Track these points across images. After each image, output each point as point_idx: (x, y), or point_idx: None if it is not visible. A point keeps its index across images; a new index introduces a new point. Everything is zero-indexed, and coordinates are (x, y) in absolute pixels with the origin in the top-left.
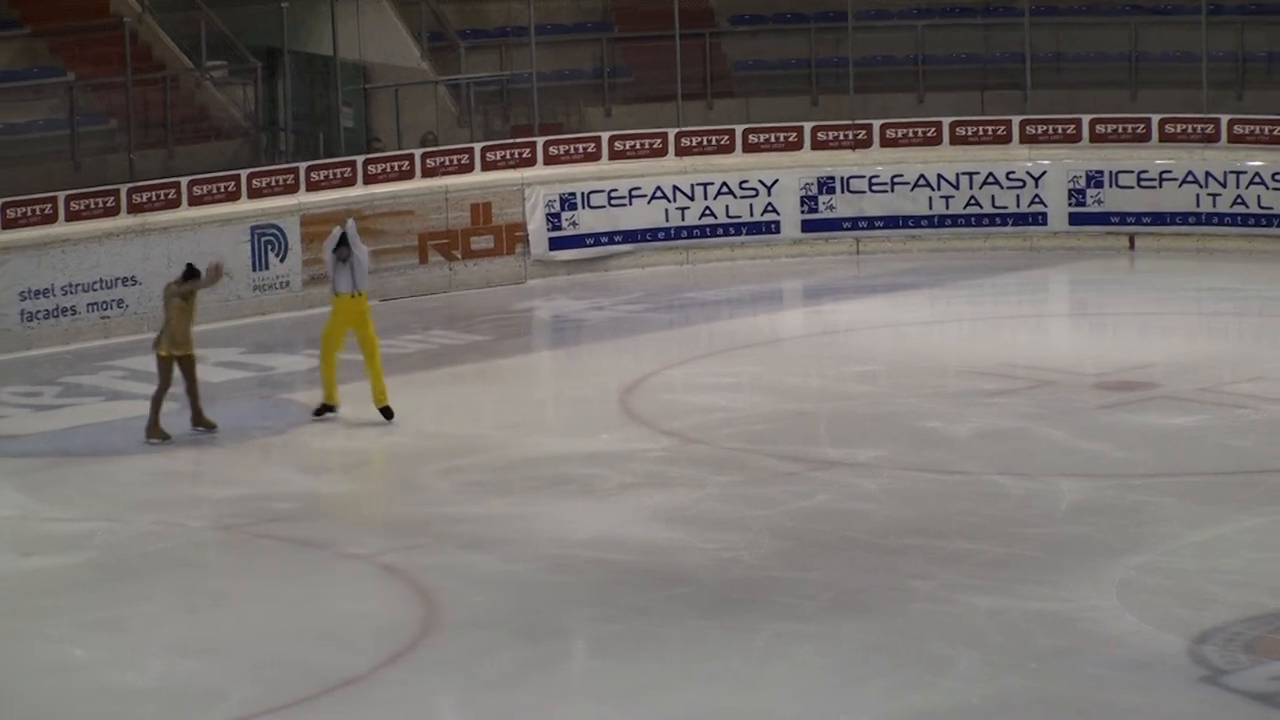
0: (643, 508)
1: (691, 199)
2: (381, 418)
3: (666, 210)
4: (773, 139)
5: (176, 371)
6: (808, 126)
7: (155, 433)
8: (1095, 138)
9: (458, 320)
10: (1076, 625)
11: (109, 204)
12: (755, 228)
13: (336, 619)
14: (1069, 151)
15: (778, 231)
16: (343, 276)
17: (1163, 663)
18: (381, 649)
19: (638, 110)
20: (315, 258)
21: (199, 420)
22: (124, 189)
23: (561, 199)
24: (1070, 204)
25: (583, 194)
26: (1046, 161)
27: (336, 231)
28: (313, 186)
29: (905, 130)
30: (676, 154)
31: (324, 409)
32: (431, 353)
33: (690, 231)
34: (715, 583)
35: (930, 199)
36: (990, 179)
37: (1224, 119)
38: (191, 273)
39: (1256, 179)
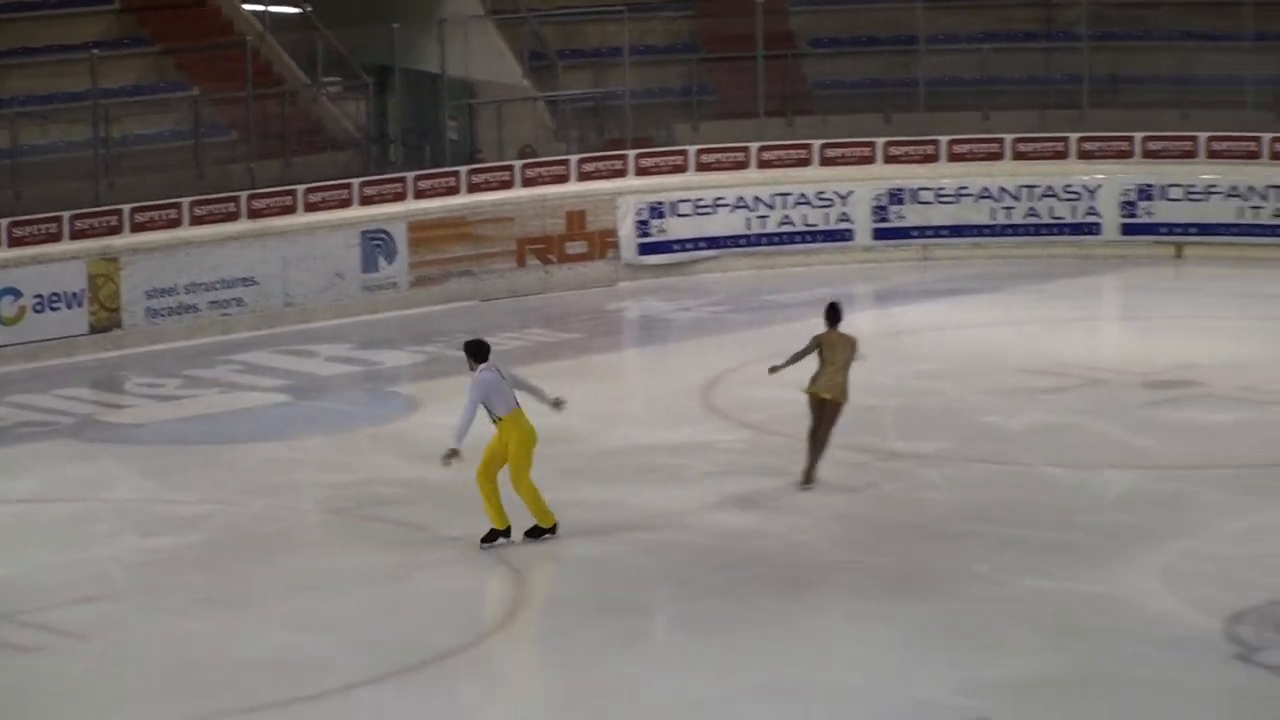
0: (722, 495)
1: (771, 208)
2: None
3: (748, 219)
4: (847, 153)
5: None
6: (880, 142)
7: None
8: (1147, 154)
9: (553, 320)
10: (1121, 606)
11: (230, 210)
12: (830, 235)
13: (436, 596)
14: (1122, 167)
15: (851, 239)
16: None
17: (1200, 641)
18: (477, 624)
19: (723, 126)
20: (421, 260)
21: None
22: (244, 196)
23: (651, 208)
24: (1122, 215)
25: (670, 203)
26: (1101, 176)
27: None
28: (420, 195)
29: (971, 146)
30: (758, 167)
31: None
32: (528, 349)
33: (770, 239)
34: (788, 564)
35: (993, 210)
36: (1049, 192)
37: (1266, 138)
38: (832, 314)
39: None
